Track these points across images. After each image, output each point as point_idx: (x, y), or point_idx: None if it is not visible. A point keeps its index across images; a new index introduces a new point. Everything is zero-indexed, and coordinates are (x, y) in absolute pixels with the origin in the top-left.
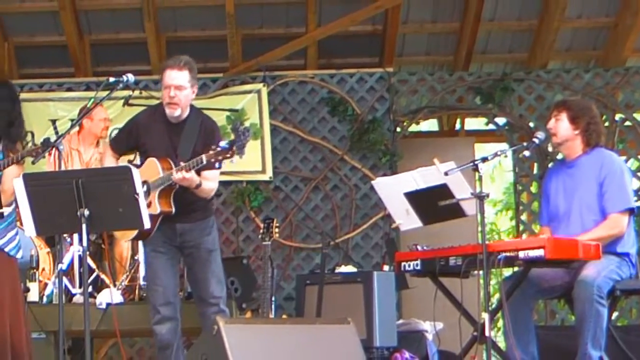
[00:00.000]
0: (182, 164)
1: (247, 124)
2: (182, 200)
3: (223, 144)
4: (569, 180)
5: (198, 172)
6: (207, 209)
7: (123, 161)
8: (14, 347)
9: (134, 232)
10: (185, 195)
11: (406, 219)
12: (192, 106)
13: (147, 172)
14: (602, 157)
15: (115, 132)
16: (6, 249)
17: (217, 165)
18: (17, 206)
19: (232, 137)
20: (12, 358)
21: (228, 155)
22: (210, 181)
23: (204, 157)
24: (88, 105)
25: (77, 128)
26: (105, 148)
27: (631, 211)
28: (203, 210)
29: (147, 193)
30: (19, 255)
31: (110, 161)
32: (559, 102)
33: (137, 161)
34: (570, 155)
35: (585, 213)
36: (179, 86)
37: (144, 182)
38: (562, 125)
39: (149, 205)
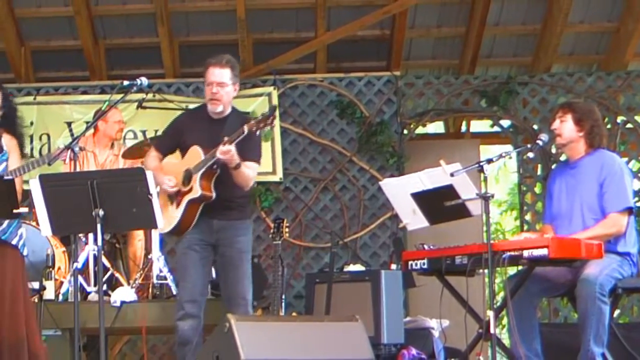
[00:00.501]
0: (225, 139)
1: None
2: (222, 194)
3: (263, 112)
4: (571, 181)
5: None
6: (244, 210)
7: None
8: (17, 342)
9: (173, 224)
10: (224, 187)
11: (413, 218)
12: (233, 107)
13: (190, 160)
14: (603, 158)
15: (130, 134)
16: (19, 246)
17: (258, 134)
18: (33, 206)
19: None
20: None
21: (268, 122)
22: (249, 169)
23: (245, 127)
24: (103, 108)
25: (92, 130)
26: (150, 149)
27: (630, 211)
28: (240, 210)
29: (189, 178)
30: (25, 252)
31: (152, 161)
32: (564, 104)
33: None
34: (573, 156)
35: (586, 212)
36: (221, 83)
37: (186, 169)
38: (567, 127)
39: (190, 190)
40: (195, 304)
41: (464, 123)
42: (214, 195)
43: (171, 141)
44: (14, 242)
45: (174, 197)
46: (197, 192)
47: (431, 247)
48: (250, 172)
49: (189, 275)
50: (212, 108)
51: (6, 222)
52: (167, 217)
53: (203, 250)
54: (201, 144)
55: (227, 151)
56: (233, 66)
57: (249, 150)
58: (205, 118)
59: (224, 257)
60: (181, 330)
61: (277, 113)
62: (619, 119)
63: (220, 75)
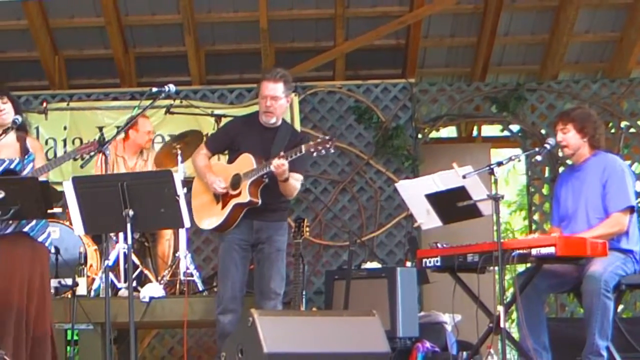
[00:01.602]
0: (282, 153)
1: None
2: (266, 200)
3: (322, 136)
4: (576, 183)
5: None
6: (284, 214)
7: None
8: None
9: (218, 223)
10: (269, 195)
11: (427, 218)
12: (284, 119)
13: (240, 166)
14: (605, 160)
15: (158, 138)
16: (46, 243)
17: (314, 154)
18: (66, 207)
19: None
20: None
21: (327, 146)
22: (296, 181)
23: (303, 147)
24: (133, 114)
25: (122, 135)
26: (200, 147)
27: (632, 209)
28: (280, 213)
29: (238, 183)
30: (52, 250)
31: (202, 159)
32: (562, 115)
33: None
34: (578, 160)
35: (590, 212)
36: (275, 97)
37: (236, 174)
38: (571, 137)
39: (238, 194)
40: (235, 300)
41: (475, 128)
42: (260, 202)
43: (223, 143)
44: (40, 239)
45: (220, 198)
46: (245, 197)
47: (444, 245)
48: (296, 184)
49: (230, 274)
50: (266, 120)
51: (34, 220)
52: (211, 215)
53: (243, 251)
54: (253, 152)
55: (280, 165)
56: (286, 80)
57: (298, 163)
58: (257, 126)
59: (262, 253)
60: (222, 324)
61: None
62: (623, 124)
63: (274, 90)
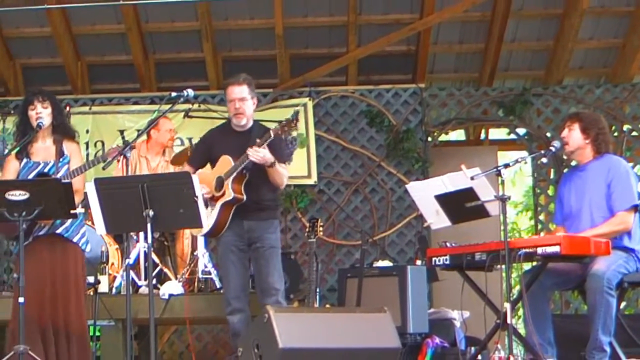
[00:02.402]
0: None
1: (294, 134)
2: (252, 197)
3: (285, 118)
4: (580, 183)
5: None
6: (273, 211)
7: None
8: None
9: (209, 227)
10: (254, 191)
11: (436, 218)
12: (255, 121)
13: (220, 168)
14: (609, 162)
15: (177, 141)
16: (80, 244)
17: (284, 137)
18: (89, 207)
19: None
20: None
21: (292, 125)
22: (282, 168)
23: (271, 131)
24: (153, 117)
25: (144, 137)
26: (183, 165)
27: (636, 208)
28: (269, 211)
29: (221, 185)
30: (87, 249)
31: None
32: (571, 114)
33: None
34: (581, 160)
35: (595, 211)
36: (242, 98)
37: (218, 177)
38: (574, 135)
39: (223, 194)
40: (239, 300)
41: (483, 131)
42: (244, 197)
43: (202, 156)
44: (75, 239)
45: (209, 203)
46: (230, 195)
47: (453, 244)
48: (283, 171)
49: (230, 275)
50: (237, 121)
51: (69, 221)
52: None
53: (239, 251)
54: (230, 154)
55: (256, 151)
56: (250, 83)
57: (276, 152)
58: (231, 132)
59: (257, 252)
60: (232, 324)
61: (301, 117)
62: (625, 127)
63: (240, 92)
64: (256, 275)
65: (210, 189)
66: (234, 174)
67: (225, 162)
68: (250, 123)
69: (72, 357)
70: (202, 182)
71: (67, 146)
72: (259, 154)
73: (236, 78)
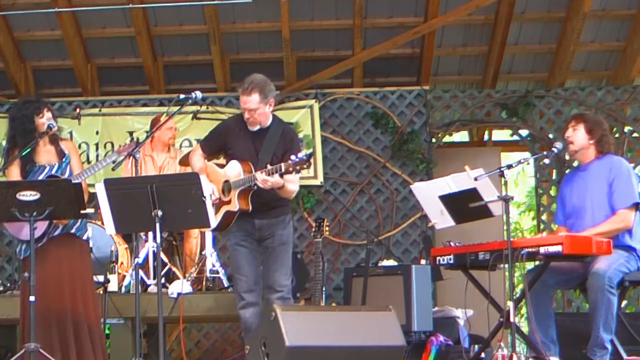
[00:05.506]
0: (268, 167)
1: (300, 135)
2: (262, 199)
3: (301, 154)
4: (581, 182)
5: (281, 176)
6: (283, 209)
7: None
8: (89, 324)
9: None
10: (265, 195)
11: (441, 218)
12: (274, 116)
13: (230, 171)
14: (611, 161)
15: (186, 142)
16: (89, 241)
17: (292, 173)
18: (98, 207)
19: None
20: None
21: (305, 167)
22: (292, 183)
23: (283, 165)
24: (161, 119)
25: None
26: (196, 146)
27: (637, 206)
28: (279, 209)
29: (228, 190)
30: (90, 244)
31: (198, 160)
32: (576, 115)
33: (222, 161)
34: (584, 160)
35: (596, 210)
36: (251, 109)
37: (226, 181)
38: (579, 135)
39: (228, 202)
40: (252, 293)
41: (486, 132)
42: (250, 208)
43: (215, 143)
44: (84, 237)
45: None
46: (235, 206)
47: (457, 244)
48: (293, 187)
49: (243, 268)
50: (251, 128)
51: (79, 220)
52: None
53: (250, 244)
54: (243, 155)
55: (265, 181)
56: (261, 88)
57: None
58: (248, 128)
59: (267, 248)
60: (244, 318)
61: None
62: (626, 129)
63: (250, 103)
64: (264, 271)
65: (218, 190)
66: (242, 187)
67: (235, 169)
68: (269, 122)
69: (95, 349)
70: (211, 179)
71: (64, 145)
72: (268, 183)
73: (244, 86)
